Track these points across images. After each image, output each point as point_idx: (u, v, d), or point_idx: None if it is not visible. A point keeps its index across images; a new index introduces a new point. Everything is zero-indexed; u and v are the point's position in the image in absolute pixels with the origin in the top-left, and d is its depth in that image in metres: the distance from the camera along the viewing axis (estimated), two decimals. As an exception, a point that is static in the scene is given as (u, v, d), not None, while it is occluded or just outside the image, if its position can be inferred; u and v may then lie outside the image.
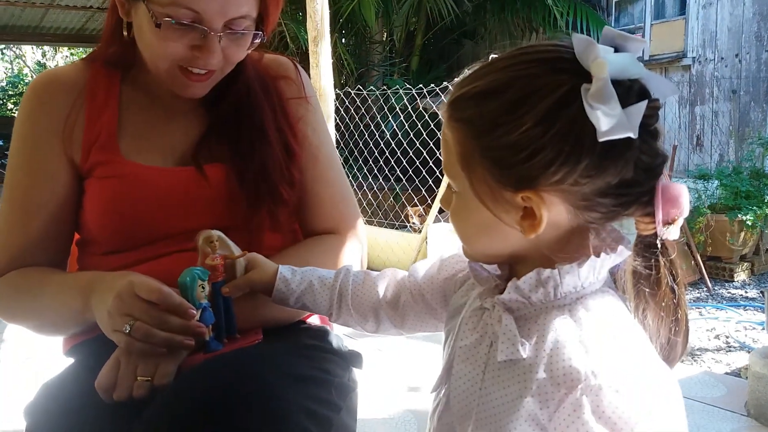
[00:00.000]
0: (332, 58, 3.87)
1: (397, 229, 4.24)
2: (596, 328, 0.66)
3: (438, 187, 3.67)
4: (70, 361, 1.06)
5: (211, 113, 1.11)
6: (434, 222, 3.71)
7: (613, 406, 0.62)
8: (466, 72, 0.71)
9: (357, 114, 4.83)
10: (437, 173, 3.71)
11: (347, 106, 4.73)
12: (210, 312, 0.91)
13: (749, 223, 4.19)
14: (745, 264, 4.43)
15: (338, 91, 4.65)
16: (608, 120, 0.60)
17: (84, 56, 1.15)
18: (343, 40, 6.35)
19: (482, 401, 0.72)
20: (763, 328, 3.43)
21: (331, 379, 0.94)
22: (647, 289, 0.71)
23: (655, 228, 0.68)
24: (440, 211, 3.74)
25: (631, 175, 0.64)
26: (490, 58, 0.70)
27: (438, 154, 3.73)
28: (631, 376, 0.63)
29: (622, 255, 0.70)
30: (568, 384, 0.64)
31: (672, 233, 0.69)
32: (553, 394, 0.65)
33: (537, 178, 0.64)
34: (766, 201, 4.29)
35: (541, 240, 0.69)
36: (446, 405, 0.78)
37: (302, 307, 0.95)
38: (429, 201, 3.75)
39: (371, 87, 4.74)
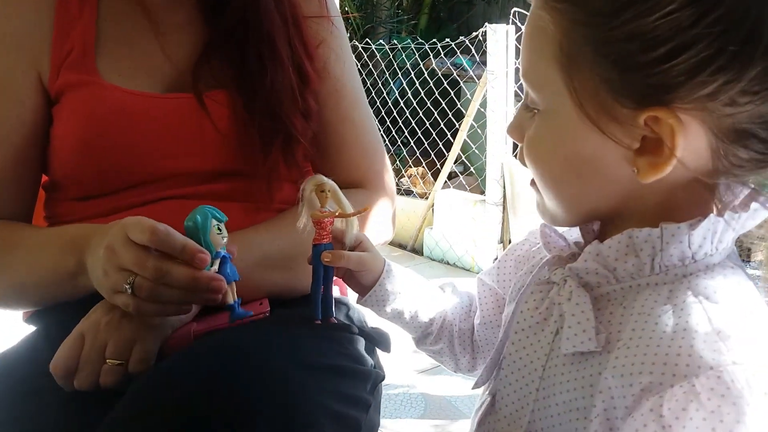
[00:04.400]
0: (339, 11, 3.61)
1: (401, 194, 4.04)
2: (715, 318, 0.46)
3: (449, 151, 3.45)
4: (31, 329, 0.86)
5: (211, 26, 0.89)
6: (442, 188, 3.50)
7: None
8: None
9: (363, 71, 4.59)
10: (448, 136, 3.49)
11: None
12: (233, 267, 0.69)
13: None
14: (765, 243, 4.26)
15: (344, 46, 4.40)
16: None
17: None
18: (350, -7, 6.06)
19: (540, 405, 0.54)
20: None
21: (362, 370, 0.73)
22: None
23: None
24: (449, 176, 3.53)
25: None
26: None
27: (450, 116, 3.51)
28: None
29: (756, 217, 0.51)
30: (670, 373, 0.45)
31: None
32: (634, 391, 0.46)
33: (676, 89, 0.45)
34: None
35: (656, 190, 0.50)
36: (491, 406, 0.60)
37: (394, 317, 0.74)
38: (438, 165, 3.53)
39: (380, 42, 4.48)
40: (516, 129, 0.57)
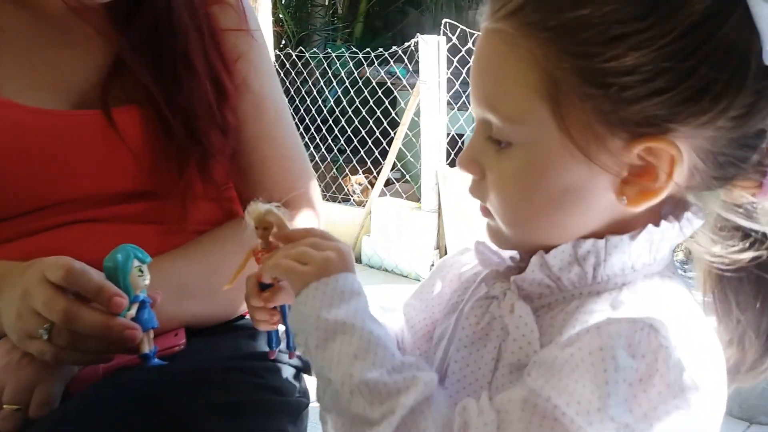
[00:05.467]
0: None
1: (339, 202, 4.01)
2: (648, 311, 0.47)
3: (385, 158, 3.45)
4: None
5: (121, 38, 0.84)
6: (379, 196, 3.50)
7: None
8: None
9: (298, 79, 4.55)
10: (384, 144, 3.49)
11: (287, 69, 4.43)
12: (151, 313, 0.65)
13: None
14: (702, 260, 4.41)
15: (278, 53, 4.33)
16: None
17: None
18: (283, 0, 6.01)
19: None
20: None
21: (280, 401, 0.70)
22: (734, 287, 0.54)
23: (757, 193, 0.51)
24: (386, 184, 3.52)
25: None
26: None
27: (385, 125, 3.50)
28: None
29: (690, 225, 0.52)
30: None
31: None
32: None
33: (672, 120, 0.46)
34: None
35: (632, 214, 0.51)
36: None
37: None
38: (375, 173, 3.52)
39: (314, 50, 4.45)
40: (472, 162, 0.54)
